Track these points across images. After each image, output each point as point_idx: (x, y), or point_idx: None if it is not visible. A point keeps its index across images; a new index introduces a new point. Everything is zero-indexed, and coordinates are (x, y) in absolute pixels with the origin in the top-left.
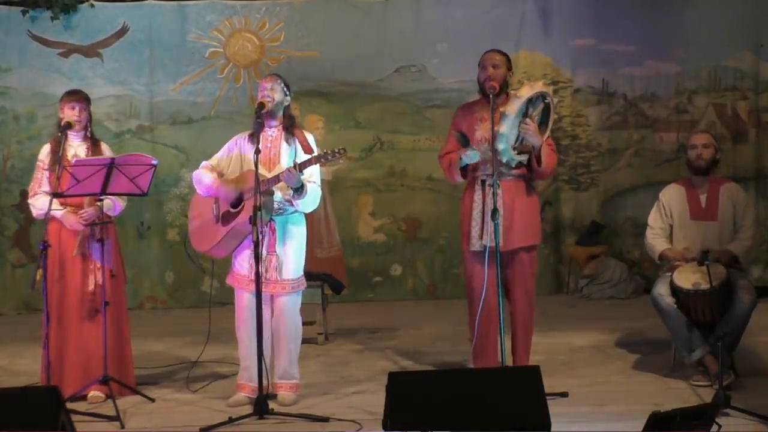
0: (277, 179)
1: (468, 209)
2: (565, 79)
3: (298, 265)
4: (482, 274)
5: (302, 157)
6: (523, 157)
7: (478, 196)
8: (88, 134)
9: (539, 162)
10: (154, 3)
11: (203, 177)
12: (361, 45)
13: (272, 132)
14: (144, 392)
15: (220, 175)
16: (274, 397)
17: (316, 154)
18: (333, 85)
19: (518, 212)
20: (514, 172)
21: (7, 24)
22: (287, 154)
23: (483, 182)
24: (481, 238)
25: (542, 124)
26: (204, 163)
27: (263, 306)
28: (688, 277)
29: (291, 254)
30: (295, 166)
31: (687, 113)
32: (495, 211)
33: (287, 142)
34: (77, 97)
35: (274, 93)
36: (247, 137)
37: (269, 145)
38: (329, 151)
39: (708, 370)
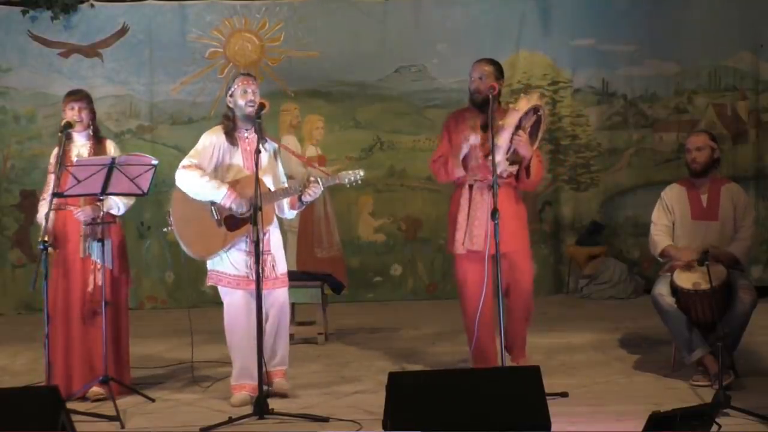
0: (285, 192)
1: (454, 212)
2: (565, 79)
3: (283, 260)
4: (469, 276)
5: (297, 165)
6: (514, 168)
7: (464, 200)
8: (92, 133)
9: (528, 173)
10: (154, 3)
11: (208, 184)
12: (361, 45)
13: (247, 134)
14: (144, 392)
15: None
16: (269, 385)
17: (339, 175)
18: (333, 85)
19: (507, 218)
20: (503, 180)
21: (7, 24)
22: (266, 156)
23: (471, 187)
24: (463, 242)
25: (532, 136)
26: (189, 161)
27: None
28: (688, 277)
29: (279, 252)
30: (316, 181)
31: (687, 113)
32: (495, 211)
33: (261, 144)
34: (76, 96)
35: (255, 97)
36: (224, 139)
37: (248, 148)
38: (351, 173)
39: (708, 370)
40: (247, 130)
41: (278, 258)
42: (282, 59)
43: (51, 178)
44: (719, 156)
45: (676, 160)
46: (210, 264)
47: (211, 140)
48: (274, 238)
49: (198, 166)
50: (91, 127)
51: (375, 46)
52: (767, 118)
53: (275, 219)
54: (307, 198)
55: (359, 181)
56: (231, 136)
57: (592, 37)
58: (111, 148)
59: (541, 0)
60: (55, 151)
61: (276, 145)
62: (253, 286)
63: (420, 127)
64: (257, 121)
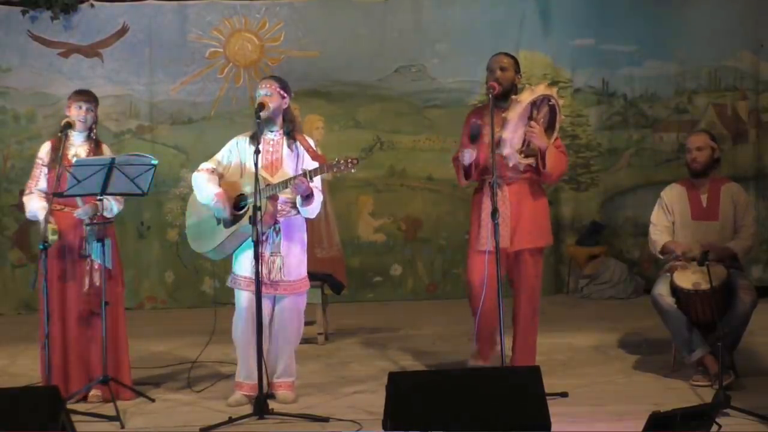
0: (284, 184)
1: (477, 211)
2: (565, 79)
3: (301, 266)
4: (484, 274)
5: (310, 164)
6: (530, 161)
7: (486, 199)
8: (92, 135)
9: (545, 164)
10: (154, 3)
11: (205, 185)
12: (361, 45)
13: (273, 136)
14: (144, 392)
15: (221, 177)
16: (272, 396)
17: (327, 162)
18: (333, 85)
19: (525, 214)
20: (521, 175)
21: (7, 24)
22: (290, 159)
23: (490, 185)
24: (488, 240)
25: (549, 127)
26: (204, 165)
27: (265, 306)
28: (688, 277)
29: (294, 255)
30: (304, 174)
31: (687, 113)
32: (495, 210)
33: (289, 147)
34: (86, 97)
35: (270, 100)
36: (248, 140)
37: (271, 149)
38: (342, 161)
39: (708, 370)
40: (271, 132)
41: (290, 262)
42: (282, 59)
43: (41, 172)
44: (719, 156)
45: (676, 160)
46: (232, 266)
47: (234, 142)
48: (288, 241)
49: (209, 170)
50: (92, 130)
51: (375, 46)
52: (767, 118)
53: (298, 221)
54: (295, 193)
55: (351, 169)
56: (254, 138)
57: (592, 37)
58: (107, 152)
59: (541, 0)
60: (47, 146)
61: (303, 149)
62: (254, 287)
63: (420, 127)
64: (256, 121)
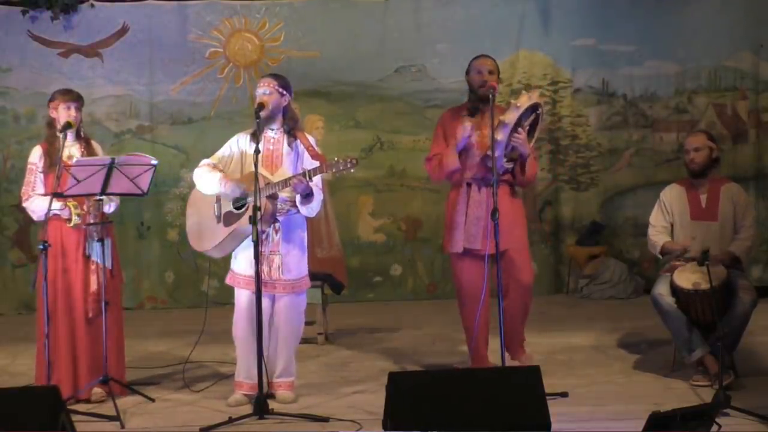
0: (283, 184)
1: (452, 211)
2: (565, 79)
3: (300, 265)
4: (466, 275)
5: (310, 163)
6: (510, 164)
7: (462, 198)
8: (81, 134)
9: (523, 170)
10: (154, 3)
11: (207, 175)
12: (361, 45)
13: (274, 134)
14: (144, 392)
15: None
16: (272, 396)
17: (327, 162)
18: (333, 85)
19: (505, 216)
20: (500, 177)
21: (7, 24)
22: (289, 158)
23: (469, 185)
24: (462, 240)
25: (529, 134)
26: (205, 161)
27: (264, 306)
28: (688, 277)
29: (293, 253)
30: (304, 174)
31: (687, 113)
32: (495, 210)
33: (289, 145)
34: (74, 96)
35: (268, 99)
36: (249, 136)
37: (271, 147)
38: (341, 161)
39: (708, 370)
40: (271, 130)
41: (289, 261)
42: (282, 59)
43: (37, 178)
44: (718, 156)
45: (676, 160)
46: (231, 264)
47: (234, 139)
48: (288, 239)
49: (210, 164)
50: (81, 128)
51: (375, 46)
52: (767, 118)
53: (298, 219)
54: (295, 193)
55: (351, 169)
56: (254, 136)
57: (592, 37)
58: (98, 149)
59: (541, 0)
60: (39, 151)
61: (303, 147)
62: (254, 286)
63: (420, 127)
64: (257, 121)
